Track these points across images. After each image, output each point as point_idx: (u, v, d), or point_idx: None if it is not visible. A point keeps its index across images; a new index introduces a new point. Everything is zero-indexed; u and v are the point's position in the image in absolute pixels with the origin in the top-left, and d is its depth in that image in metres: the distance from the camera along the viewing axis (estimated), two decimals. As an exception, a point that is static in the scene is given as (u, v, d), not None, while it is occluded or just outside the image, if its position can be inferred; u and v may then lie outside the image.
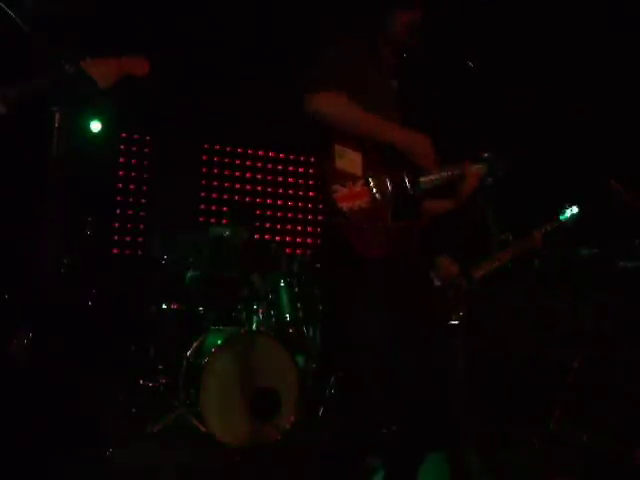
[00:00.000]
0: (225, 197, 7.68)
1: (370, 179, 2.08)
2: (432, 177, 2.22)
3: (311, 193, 8.04)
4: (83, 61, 1.83)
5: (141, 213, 7.27)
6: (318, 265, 5.05)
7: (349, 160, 2.07)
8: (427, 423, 2.20)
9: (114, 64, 1.85)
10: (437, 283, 3.16)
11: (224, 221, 5.05)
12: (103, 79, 1.83)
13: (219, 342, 3.69)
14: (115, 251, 7.16)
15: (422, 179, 2.19)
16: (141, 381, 4.13)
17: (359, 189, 2.04)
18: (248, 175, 7.87)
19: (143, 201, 7.29)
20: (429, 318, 2.23)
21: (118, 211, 7.23)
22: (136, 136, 7.34)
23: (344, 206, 1.99)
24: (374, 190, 2.08)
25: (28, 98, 1.80)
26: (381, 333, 2.08)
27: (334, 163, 2.04)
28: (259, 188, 7.92)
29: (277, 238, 7.87)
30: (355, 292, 2.11)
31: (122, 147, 7.30)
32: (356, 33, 2.29)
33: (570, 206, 3.39)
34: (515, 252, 3.29)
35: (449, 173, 2.30)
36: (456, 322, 3.14)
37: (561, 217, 3.38)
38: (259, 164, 7.95)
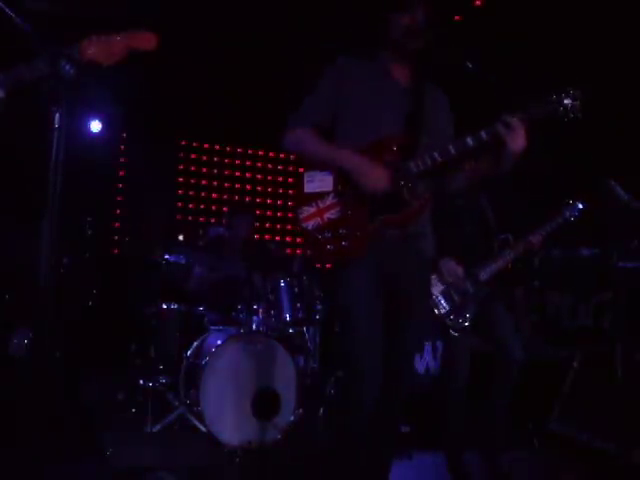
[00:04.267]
0: (225, 197, 7.68)
1: (337, 191, 2.25)
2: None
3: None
4: (87, 39, 1.78)
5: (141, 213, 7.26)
6: (318, 265, 5.06)
7: (319, 181, 2.28)
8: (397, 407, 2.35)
9: (118, 40, 1.80)
10: (441, 287, 3.14)
11: (224, 221, 5.03)
12: (107, 57, 1.80)
13: (219, 342, 3.69)
14: (115, 251, 7.15)
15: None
16: (141, 381, 4.12)
17: (328, 202, 2.24)
18: (248, 175, 7.87)
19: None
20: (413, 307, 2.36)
21: (118, 211, 7.22)
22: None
23: (310, 224, 2.23)
24: (344, 199, 2.23)
25: (27, 82, 1.77)
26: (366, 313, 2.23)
27: (302, 189, 2.28)
28: (259, 188, 7.92)
29: (277, 238, 7.87)
30: (341, 287, 2.30)
31: (122, 147, 7.29)
32: (350, 49, 2.40)
33: (573, 204, 3.36)
34: (518, 252, 3.26)
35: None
36: (463, 325, 3.13)
37: (564, 215, 3.35)
38: (259, 164, 7.95)
